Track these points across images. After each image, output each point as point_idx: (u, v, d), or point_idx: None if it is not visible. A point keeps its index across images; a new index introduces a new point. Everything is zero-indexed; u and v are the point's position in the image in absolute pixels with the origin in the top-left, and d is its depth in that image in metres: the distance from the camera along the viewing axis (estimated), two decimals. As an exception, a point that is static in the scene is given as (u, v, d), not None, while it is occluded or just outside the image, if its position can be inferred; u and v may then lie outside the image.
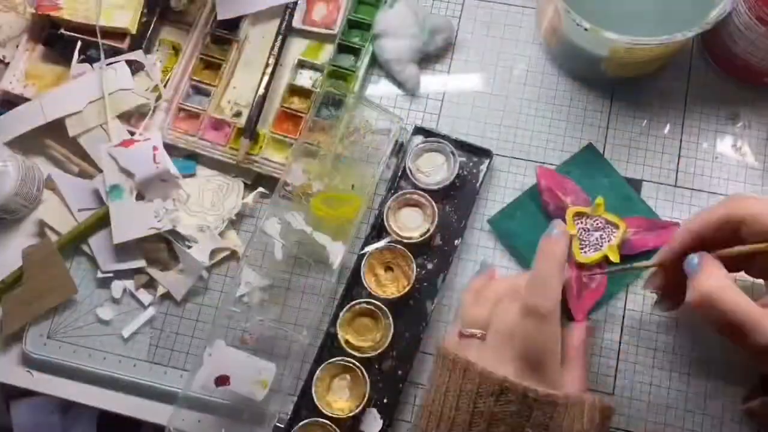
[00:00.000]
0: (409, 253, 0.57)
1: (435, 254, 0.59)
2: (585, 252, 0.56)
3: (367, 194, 0.61)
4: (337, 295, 0.59)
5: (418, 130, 0.62)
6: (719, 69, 0.62)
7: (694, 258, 0.42)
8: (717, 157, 0.60)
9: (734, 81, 0.61)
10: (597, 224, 0.57)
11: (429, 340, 0.58)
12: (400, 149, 0.62)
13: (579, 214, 0.57)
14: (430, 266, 0.59)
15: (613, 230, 0.56)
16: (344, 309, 0.56)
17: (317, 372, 0.55)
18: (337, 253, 0.59)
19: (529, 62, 0.64)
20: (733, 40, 0.57)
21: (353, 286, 0.59)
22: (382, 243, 0.58)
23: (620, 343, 0.56)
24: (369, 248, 0.58)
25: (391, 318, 0.56)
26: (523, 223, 0.59)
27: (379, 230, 0.60)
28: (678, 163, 0.60)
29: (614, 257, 0.55)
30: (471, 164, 0.61)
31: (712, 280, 0.40)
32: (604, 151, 0.60)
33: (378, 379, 0.57)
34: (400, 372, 0.56)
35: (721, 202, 0.42)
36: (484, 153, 0.61)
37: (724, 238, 0.41)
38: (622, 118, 0.62)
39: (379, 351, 0.55)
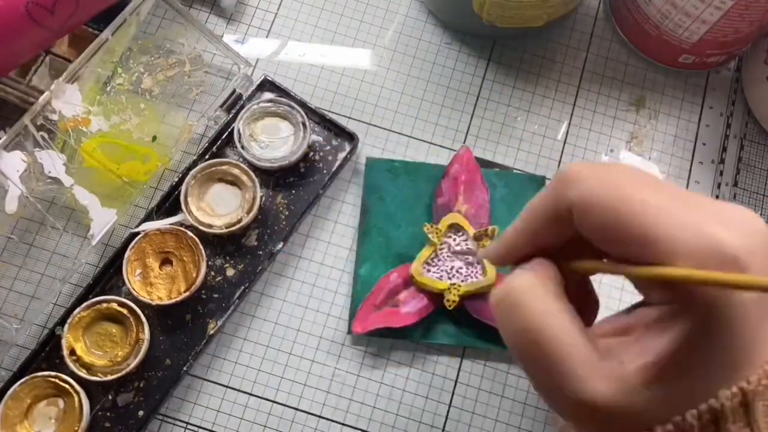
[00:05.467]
0: (201, 247, 0.42)
1: (243, 257, 0.44)
2: (428, 270, 0.42)
3: (171, 152, 0.45)
4: (84, 283, 0.42)
5: (267, 85, 0.47)
6: (627, 40, 0.50)
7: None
8: (612, 150, 0.49)
9: (644, 58, 0.50)
10: (467, 255, 0.43)
11: (199, 372, 0.42)
12: (236, 103, 0.46)
13: (458, 229, 0.43)
14: (230, 272, 0.43)
15: (478, 276, 0.42)
16: (82, 305, 0.40)
17: (14, 387, 0.39)
18: (103, 222, 0.43)
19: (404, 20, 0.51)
20: (646, 1, 0.46)
21: (109, 275, 0.43)
22: (164, 222, 0.42)
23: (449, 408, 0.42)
24: (145, 226, 0.42)
25: (148, 332, 0.40)
26: (395, 194, 0.46)
27: (171, 205, 0.44)
28: (561, 154, 0.48)
29: (451, 302, 0.42)
30: (328, 147, 0.46)
31: (527, 276, 0.26)
32: (470, 126, 0.47)
33: (108, 416, 0.40)
34: (142, 412, 0.40)
35: (551, 182, 0.27)
36: (346, 136, 0.46)
37: (567, 235, 0.27)
38: (497, 86, 0.50)
39: (117, 375, 0.39)
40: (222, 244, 0.44)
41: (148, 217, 0.43)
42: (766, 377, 0.22)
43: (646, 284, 0.26)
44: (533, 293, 0.25)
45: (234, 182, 0.44)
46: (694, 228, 0.22)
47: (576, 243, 0.26)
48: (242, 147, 0.44)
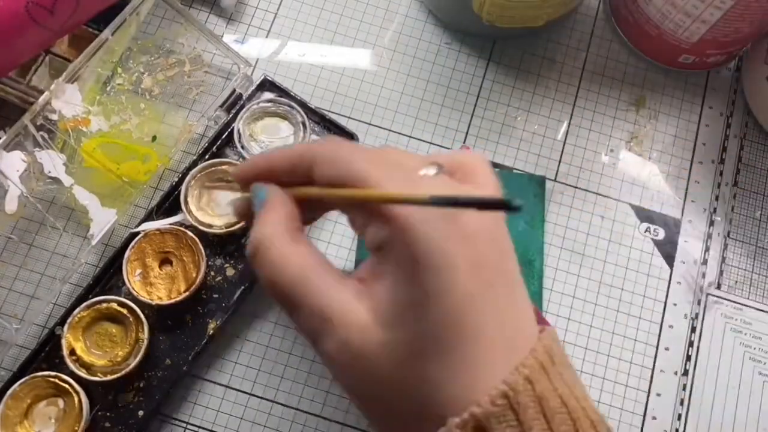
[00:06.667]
0: (201, 247, 0.42)
1: (243, 257, 0.44)
2: None
3: (171, 152, 0.45)
4: (84, 283, 0.42)
5: (267, 85, 0.47)
6: (627, 40, 0.50)
7: (261, 189, 0.31)
8: (612, 150, 0.48)
9: (644, 58, 0.50)
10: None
11: (199, 372, 0.42)
12: (236, 103, 0.46)
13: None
14: (230, 272, 0.43)
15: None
16: (82, 305, 0.40)
17: (14, 387, 0.39)
18: (102, 222, 0.43)
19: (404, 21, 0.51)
20: (646, 0, 0.46)
21: (109, 275, 0.43)
22: (164, 222, 0.42)
23: None
24: (145, 226, 0.42)
25: (148, 332, 0.40)
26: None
27: (171, 205, 0.44)
28: (561, 154, 0.48)
29: None
30: (327, 148, 0.46)
31: (265, 226, 0.29)
32: (470, 126, 0.47)
33: (108, 416, 0.40)
34: (142, 412, 0.40)
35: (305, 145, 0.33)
36: (346, 136, 0.46)
37: (301, 182, 0.30)
38: (497, 86, 0.50)
39: (117, 375, 0.39)
40: (222, 244, 0.44)
41: (148, 217, 0.43)
42: (501, 397, 0.23)
43: (360, 224, 0.28)
44: (272, 245, 0.28)
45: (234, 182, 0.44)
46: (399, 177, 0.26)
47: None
48: (242, 147, 0.44)
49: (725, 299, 0.46)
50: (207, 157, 0.45)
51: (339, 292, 0.26)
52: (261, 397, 0.43)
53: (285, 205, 0.29)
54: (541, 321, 0.43)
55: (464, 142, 0.48)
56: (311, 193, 0.30)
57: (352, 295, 0.26)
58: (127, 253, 0.41)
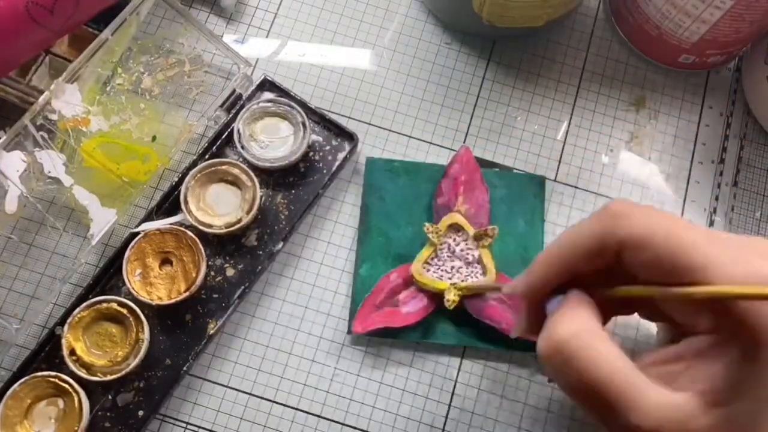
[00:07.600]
0: (201, 247, 0.42)
1: (243, 257, 0.44)
2: (428, 270, 0.42)
3: (171, 152, 0.45)
4: (84, 283, 0.42)
5: (267, 85, 0.47)
6: (627, 40, 0.50)
7: (553, 301, 0.29)
8: (612, 150, 0.49)
9: (644, 58, 0.50)
10: (467, 254, 0.43)
11: (199, 372, 0.42)
12: (236, 103, 0.46)
13: (457, 228, 0.43)
14: (230, 272, 0.43)
15: (478, 276, 0.42)
16: (82, 305, 0.40)
17: (14, 387, 0.39)
18: (102, 222, 0.43)
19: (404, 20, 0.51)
20: (646, 1, 0.46)
21: (109, 275, 0.43)
22: (164, 222, 0.42)
23: (449, 407, 0.42)
24: (145, 226, 0.42)
25: (148, 332, 0.40)
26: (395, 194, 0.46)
27: (171, 205, 0.44)
28: (561, 154, 0.48)
29: (451, 302, 0.41)
30: (328, 147, 0.46)
31: (569, 324, 0.27)
32: (470, 125, 0.47)
33: (108, 416, 0.40)
34: (142, 412, 0.40)
35: (593, 217, 0.28)
36: (346, 136, 0.46)
37: (605, 266, 0.28)
38: (497, 86, 0.50)
39: (117, 376, 0.39)
40: (222, 244, 0.44)
41: (148, 217, 0.43)
42: None
43: (692, 312, 0.27)
44: (582, 342, 0.26)
45: (234, 182, 0.44)
46: (741, 260, 0.24)
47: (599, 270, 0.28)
48: (242, 147, 0.44)
49: (725, 299, 0.46)
50: (207, 157, 0.45)
51: (657, 387, 0.25)
52: (261, 397, 0.43)
53: (587, 304, 0.27)
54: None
55: (464, 142, 0.48)
56: (639, 293, 0.27)
57: (667, 390, 0.25)
58: (127, 253, 0.41)
